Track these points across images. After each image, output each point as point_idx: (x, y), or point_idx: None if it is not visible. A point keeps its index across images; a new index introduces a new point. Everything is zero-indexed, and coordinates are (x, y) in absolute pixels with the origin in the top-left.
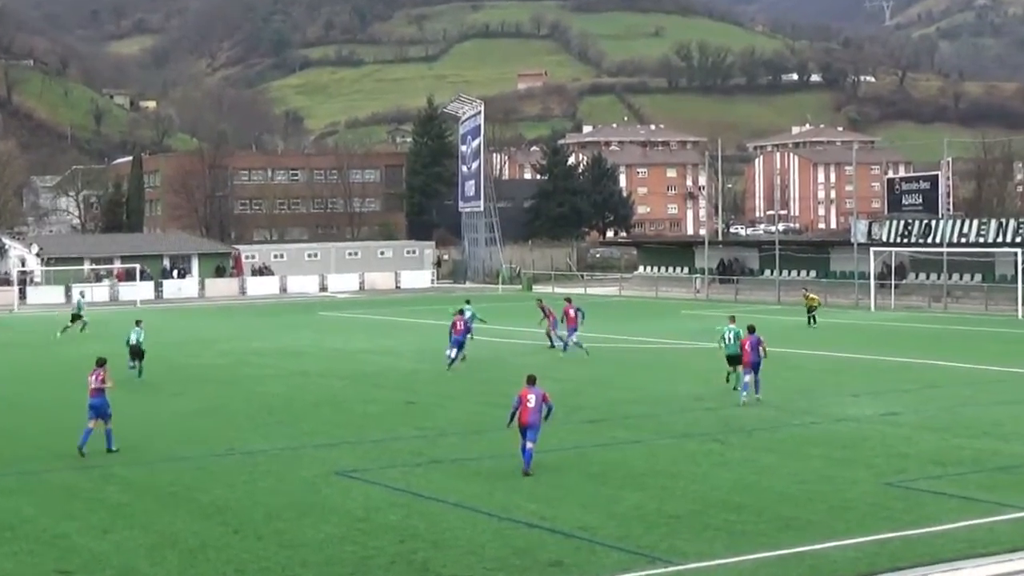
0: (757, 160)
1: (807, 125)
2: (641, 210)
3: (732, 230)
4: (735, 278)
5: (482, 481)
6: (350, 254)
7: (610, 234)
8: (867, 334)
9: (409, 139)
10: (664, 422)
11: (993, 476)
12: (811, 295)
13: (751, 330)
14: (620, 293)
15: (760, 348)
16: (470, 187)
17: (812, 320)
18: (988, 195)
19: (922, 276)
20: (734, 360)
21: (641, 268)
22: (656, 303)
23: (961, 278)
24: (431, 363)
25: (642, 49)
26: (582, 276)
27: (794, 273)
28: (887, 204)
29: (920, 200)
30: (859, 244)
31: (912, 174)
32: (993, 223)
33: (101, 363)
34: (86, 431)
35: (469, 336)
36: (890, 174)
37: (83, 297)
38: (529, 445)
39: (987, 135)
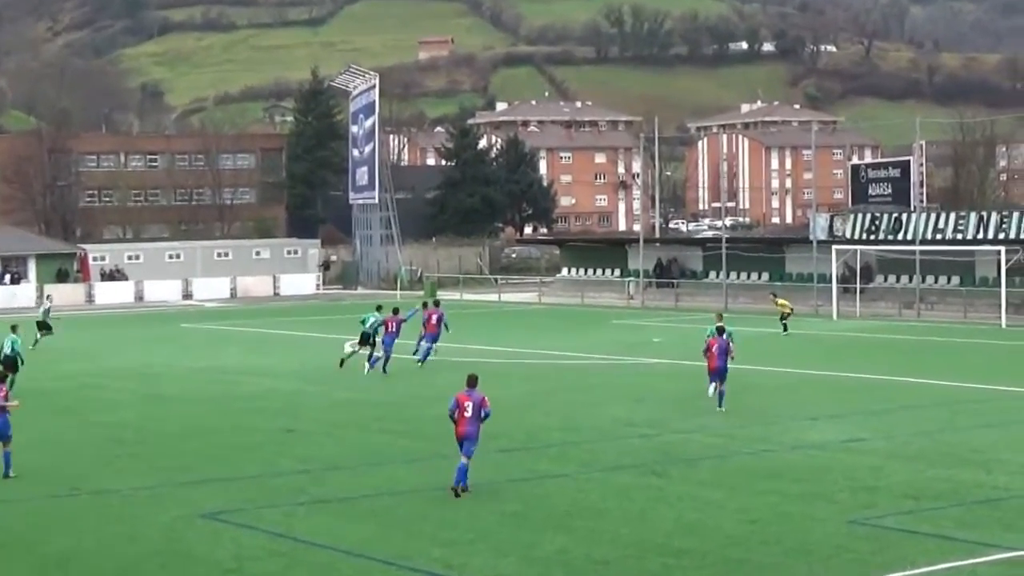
0: (701, 143)
1: (758, 102)
2: (565, 202)
3: (672, 226)
4: (675, 281)
5: (377, 523)
6: (220, 255)
7: (528, 230)
8: (828, 346)
9: (290, 118)
10: (592, 452)
11: (974, 511)
12: (781, 300)
13: (720, 331)
14: (540, 300)
15: (728, 354)
16: (363, 175)
17: (784, 328)
18: (967, 184)
19: (891, 279)
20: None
21: (565, 270)
22: (582, 311)
23: (936, 281)
24: (316, 384)
25: (566, 13)
26: (495, 280)
27: (743, 275)
28: (851, 195)
29: (889, 190)
30: (819, 242)
31: (880, 160)
32: (973, 217)
33: (1, 378)
34: None
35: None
36: (855, 160)
37: None
38: (463, 460)
39: (966, 114)
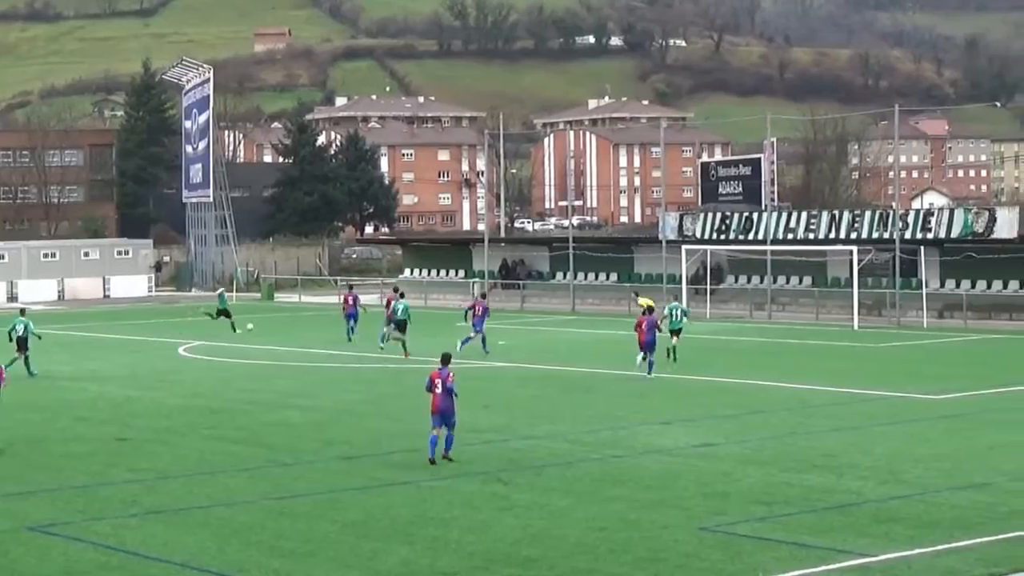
0: (547, 140)
1: (606, 98)
2: (407, 201)
3: (517, 225)
4: (521, 283)
5: (212, 534)
6: (46, 255)
7: (369, 230)
8: (679, 350)
9: (120, 113)
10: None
11: (826, 517)
12: (643, 299)
13: (649, 310)
14: (382, 301)
15: (656, 328)
16: (196, 172)
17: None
18: (819, 183)
19: (742, 279)
20: (676, 334)
21: (407, 271)
22: (425, 314)
23: (788, 281)
24: (149, 389)
25: (407, 5)
26: (335, 281)
27: (591, 276)
28: (701, 193)
29: (740, 188)
30: (668, 241)
31: (730, 157)
32: (825, 216)
33: None
34: None
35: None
36: (704, 157)
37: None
38: (448, 432)
39: (817, 111)
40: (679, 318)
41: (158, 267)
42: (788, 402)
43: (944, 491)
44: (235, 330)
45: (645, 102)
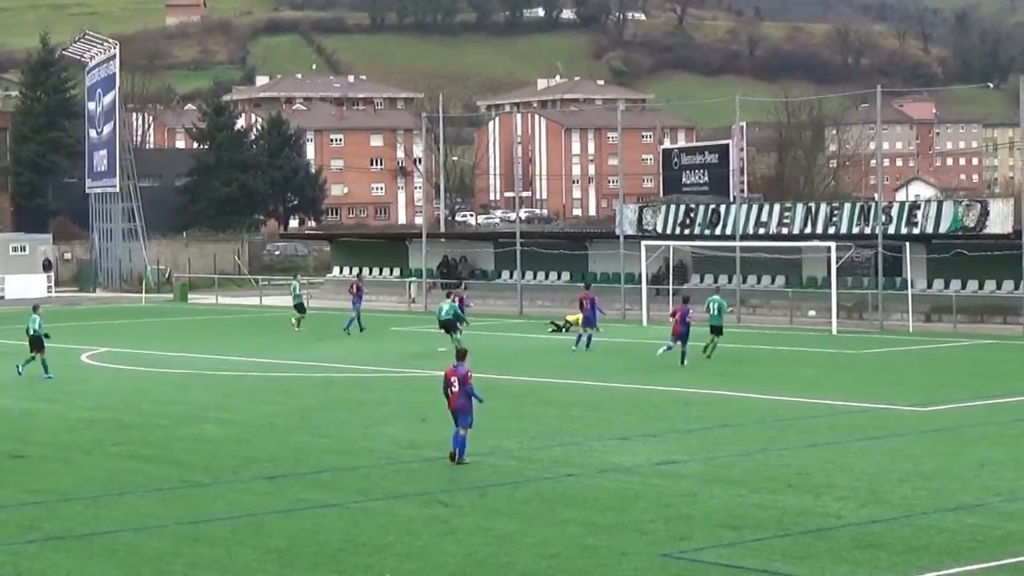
0: (492, 124)
1: (557, 77)
2: (336, 191)
3: (459, 218)
4: (463, 282)
5: (120, 562)
6: None
7: (294, 224)
8: (637, 357)
9: (15, 93)
10: (369, 478)
11: (801, 541)
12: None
13: (685, 300)
14: (308, 303)
15: (688, 321)
16: (101, 160)
17: (565, 328)
18: (793, 172)
19: (709, 279)
20: (715, 330)
21: (336, 270)
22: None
23: (759, 281)
24: (49, 401)
25: None
26: (256, 281)
27: (540, 275)
28: (663, 183)
29: (705, 178)
30: (626, 237)
31: (695, 144)
32: (799, 209)
33: None
34: None
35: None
36: (667, 143)
37: None
38: (461, 432)
39: (791, 92)
40: (715, 312)
41: (47, 266)
42: (759, 415)
43: (931, 513)
44: (298, 327)
45: (600, 82)
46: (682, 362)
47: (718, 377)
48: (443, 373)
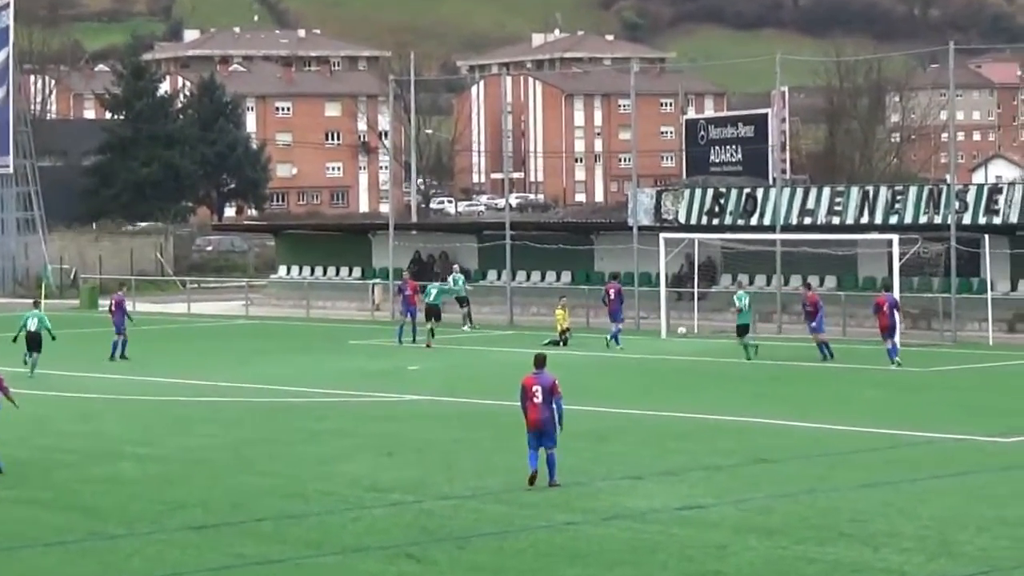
0: (476, 89)
1: (557, 32)
2: (283, 172)
3: (436, 206)
4: (438, 283)
5: None
6: None
7: (231, 213)
8: (656, 375)
9: None
10: (323, 527)
11: None
12: (560, 311)
13: (887, 288)
14: (247, 312)
15: (897, 307)
16: None
17: (564, 342)
18: (847, 148)
19: (743, 280)
20: (743, 331)
21: (283, 269)
22: (308, 328)
23: (805, 283)
24: None
25: None
26: (183, 283)
27: (536, 276)
28: (686, 162)
29: (739, 155)
30: (641, 228)
31: (726, 113)
32: (854, 193)
33: None
34: None
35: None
36: (691, 113)
37: None
38: (551, 451)
39: (844, 51)
40: (747, 308)
41: None
42: (804, 447)
43: (1016, 568)
44: (432, 336)
45: (609, 37)
46: (894, 357)
47: (753, 400)
48: (522, 383)
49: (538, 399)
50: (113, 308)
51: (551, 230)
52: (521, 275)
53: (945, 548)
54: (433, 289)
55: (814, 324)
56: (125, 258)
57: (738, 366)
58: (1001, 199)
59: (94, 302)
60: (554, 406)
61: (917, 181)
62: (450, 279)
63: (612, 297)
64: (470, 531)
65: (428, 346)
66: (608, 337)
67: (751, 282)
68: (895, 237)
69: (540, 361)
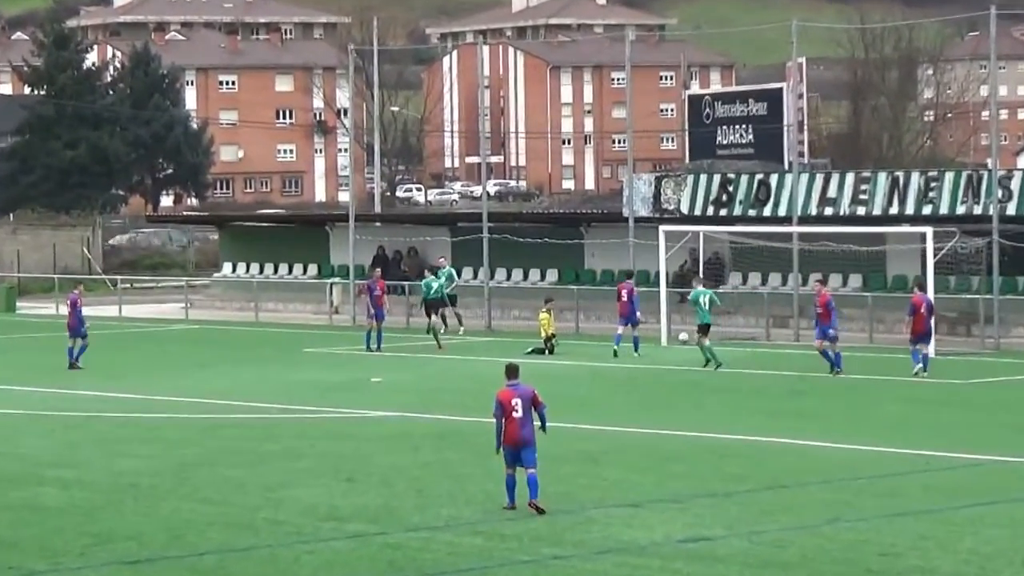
0: (448, 60)
1: None
2: (227, 156)
3: (403, 194)
4: (406, 284)
5: None
6: None
7: (168, 202)
8: (655, 388)
9: None
10: (272, 561)
11: None
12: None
13: (921, 287)
14: (187, 315)
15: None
16: None
17: (550, 349)
18: (873, 128)
19: (754, 278)
20: (705, 329)
21: (228, 267)
22: (257, 334)
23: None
24: None
25: None
26: (113, 283)
27: (517, 274)
28: (689, 144)
29: (750, 136)
30: (638, 219)
31: (735, 88)
32: (882, 179)
33: None
34: None
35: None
36: (695, 88)
37: None
38: (530, 471)
39: (871, 17)
40: (707, 306)
41: None
42: (825, 471)
43: None
44: (444, 325)
45: (601, 1)
46: (925, 368)
47: (767, 417)
48: (497, 398)
49: (518, 413)
50: (69, 309)
51: (535, 222)
52: (501, 274)
53: None
54: (434, 283)
55: (832, 331)
56: (47, 253)
57: (749, 378)
58: None
59: (11, 304)
60: (536, 416)
61: (954, 166)
62: (442, 275)
63: (625, 299)
64: (443, 567)
65: (439, 347)
66: (616, 344)
67: (764, 282)
68: (929, 230)
69: (513, 371)
